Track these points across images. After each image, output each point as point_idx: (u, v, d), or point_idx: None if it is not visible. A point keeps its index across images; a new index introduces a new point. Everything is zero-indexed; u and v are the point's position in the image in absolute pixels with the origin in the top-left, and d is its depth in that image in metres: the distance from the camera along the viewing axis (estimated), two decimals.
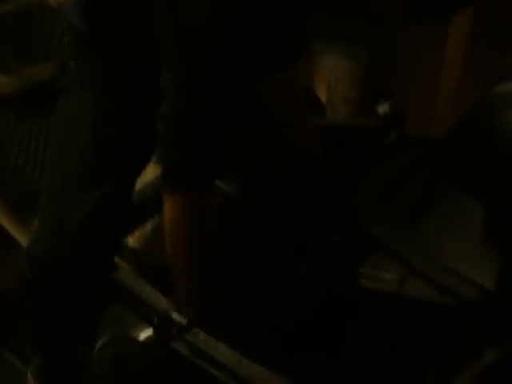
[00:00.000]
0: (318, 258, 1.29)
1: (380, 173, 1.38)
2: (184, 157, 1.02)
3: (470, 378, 1.03)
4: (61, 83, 1.20)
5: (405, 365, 1.12)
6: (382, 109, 1.47)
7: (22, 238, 1.60)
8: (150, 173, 1.34)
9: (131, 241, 1.43)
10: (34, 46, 1.84)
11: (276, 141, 1.37)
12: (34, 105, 1.79)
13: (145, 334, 1.15)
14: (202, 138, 1.01)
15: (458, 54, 1.88)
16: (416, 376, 1.09)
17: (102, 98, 1.13)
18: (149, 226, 1.56)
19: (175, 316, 1.11)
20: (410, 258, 1.23)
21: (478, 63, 1.80)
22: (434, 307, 1.16)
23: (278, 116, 1.31)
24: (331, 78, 1.89)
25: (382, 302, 1.20)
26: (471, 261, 1.18)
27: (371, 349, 1.16)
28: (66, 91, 1.19)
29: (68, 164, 1.17)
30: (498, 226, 1.12)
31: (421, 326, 1.13)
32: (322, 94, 1.87)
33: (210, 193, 1.09)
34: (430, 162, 1.28)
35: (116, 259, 1.26)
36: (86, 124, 1.13)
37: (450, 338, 1.11)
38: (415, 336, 1.13)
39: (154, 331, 1.14)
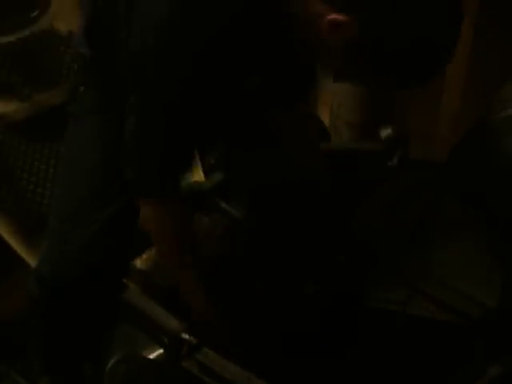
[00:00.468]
0: (324, 278, 1.31)
1: (383, 194, 1.41)
2: (138, 170, 1.09)
3: None
4: (70, 108, 1.24)
5: (409, 382, 1.14)
6: (385, 132, 1.49)
7: (31, 260, 1.63)
8: None
9: (139, 263, 1.46)
10: (45, 73, 1.87)
11: (283, 164, 1.40)
12: (45, 129, 1.82)
13: (155, 353, 1.17)
14: (150, 156, 1.08)
15: (459, 74, 1.90)
16: None
17: (109, 120, 1.17)
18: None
19: (185, 336, 1.13)
20: (413, 277, 1.25)
21: (479, 83, 1.82)
22: (438, 326, 1.18)
23: (287, 139, 1.35)
24: (334, 102, 1.92)
25: (387, 321, 1.22)
26: (474, 278, 1.20)
27: (375, 366, 1.17)
28: (75, 116, 1.23)
29: (77, 185, 1.20)
30: (501, 242, 1.14)
31: (425, 344, 1.15)
32: (325, 118, 1.90)
33: (177, 201, 1.15)
34: (433, 182, 1.31)
35: (125, 281, 1.29)
36: (94, 146, 1.17)
37: (454, 355, 1.13)
38: (419, 353, 1.15)
39: (165, 351, 1.16)
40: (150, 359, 1.17)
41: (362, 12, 0.88)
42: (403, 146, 1.52)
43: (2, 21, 1.79)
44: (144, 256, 1.54)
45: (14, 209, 1.74)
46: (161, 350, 1.17)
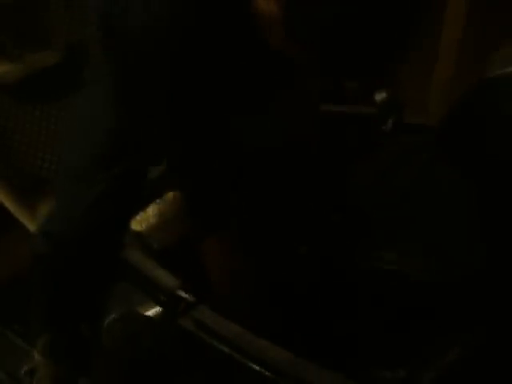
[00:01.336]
0: (317, 239, 1.33)
1: (377, 157, 1.42)
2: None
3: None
4: (85, 74, 1.24)
5: (400, 340, 1.17)
6: (379, 97, 1.50)
7: (26, 221, 1.63)
8: None
9: (133, 224, 1.47)
10: (36, 34, 1.85)
11: (277, 126, 1.40)
12: (37, 91, 1.81)
13: (152, 311, 1.19)
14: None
15: (453, 42, 1.90)
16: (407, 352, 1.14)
17: (124, 87, 1.18)
18: (150, 210, 1.59)
19: (182, 293, 1.15)
20: (404, 238, 1.27)
21: (473, 51, 1.82)
22: (427, 286, 1.21)
23: (281, 106, 1.35)
24: None
25: (379, 280, 1.24)
26: (461, 241, 1.22)
27: (368, 326, 1.20)
28: (89, 81, 1.23)
29: (87, 144, 1.21)
30: (492, 206, 1.16)
31: (415, 304, 1.17)
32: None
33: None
34: (426, 147, 1.32)
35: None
36: (106, 108, 1.17)
37: (441, 315, 1.15)
38: (408, 312, 1.17)
39: (162, 308, 1.18)
40: (146, 316, 1.19)
41: None
42: (397, 111, 1.53)
43: None
44: (138, 218, 1.55)
45: (7, 171, 1.74)
46: (157, 308, 1.19)
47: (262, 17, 0.90)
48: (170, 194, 1.59)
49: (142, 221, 1.57)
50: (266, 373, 1.08)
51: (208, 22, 1.00)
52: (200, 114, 1.11)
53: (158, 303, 1.19)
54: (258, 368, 1.09)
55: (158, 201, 1.60)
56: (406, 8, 0.85)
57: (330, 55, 0.86)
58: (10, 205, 1.64)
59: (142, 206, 1.50)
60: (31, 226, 1.57)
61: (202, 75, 1.06)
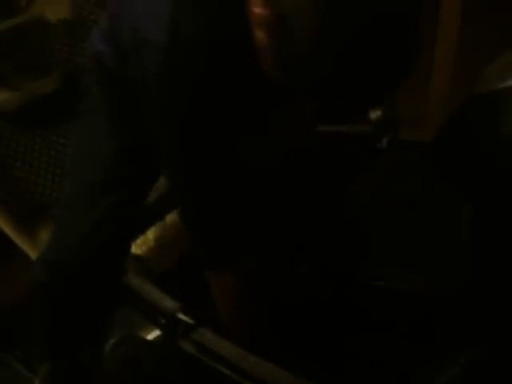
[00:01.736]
0: (316, 258, 1.33)
1: (373, 175, 1.43)
2: (205, 243, 1.06)
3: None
4: (83, 106, 1.26)
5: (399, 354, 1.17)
6: (375, 115, 1.51)
7: (27, 247, 1.64)
8: None
9: (134, 248, 1.47)
10: (36, 61, 1.88)
11: (272, 149, 1.42)
12: (37, 118, 1.83)
13: (153, 334, 1.19)
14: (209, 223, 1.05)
15: (447, 58, 1.91)
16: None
17: (120, 117, 1.20)
18: (150, 233, 1.60)
19: (182, 316, 1.15)
20: (401, 254, 1.28)
21: (468, 67, 1.83)
22: (426, 300, 1.21)
23: (278, 125, 1.36)
24: None
25: (379, 296, 1.24)
26: (459, 256, 1.22)
27: (369, 342, 1.20)
28: (86, 112, 1.25)
29: (85, 173, 1.23)
30: (486, 221, 1.17)
31: (414, 318, 1.18)
32: None
33: (250, 266, 1.10)
34: (422, 164, 1.33)
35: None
36: (104, 137, 1.19)
37: (439, 328, 1.15)
38: (409, 327, 1.17)
39: (162, 331, 1.18)
40: (147, 340, 1.19)
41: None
42: (393, 129, 1.54)
43: None
44: (139, 241, 1.56)
45: (8, 198, 1.76)
46: (158, 331, 1.19)
47: (255, 41, 0.89)
48: (170, 217, 1.60)
49: (142, 244, 1.58)
50: None
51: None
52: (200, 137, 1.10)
53: (158, 326, 1.19)
54: None
55: (157, 224, 1.62)
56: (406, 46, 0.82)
57: (320, 94, 0.85)
58: (10, 231, 1.65)
59: (141, 229, 1.50)
60: (32, 253, 1.58)
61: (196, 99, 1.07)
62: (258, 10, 0.84)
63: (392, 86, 0.84)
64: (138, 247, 1.55)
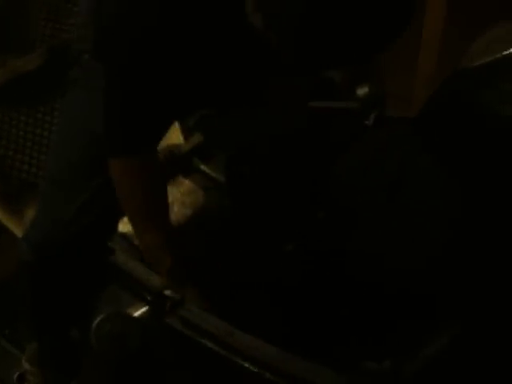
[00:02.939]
0: (303, 235, 1.33)
1: (359, 152, 1.42)
2: (105, 129, 1.11)
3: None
4: (73, 74, 1.24)
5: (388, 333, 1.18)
6: (362, 91, 1.50)
7: (14, 226, 1.63)
8: None
9: (120, 226, 1.47)
10: (18, 38, 1.85)
11: (261, 124, 1.41)
12: (21, 96, 1.81)
13: (139, 311, 1.19)
14: (113, 114, 1.11)
15: (435, 34, 1.91)
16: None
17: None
18: None
19: (168, 293, 1.15)
20: (389, 232, 1.28)
21: (455, 43, 1.83)
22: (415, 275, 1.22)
23: (268, 99, 1.35)
24: None
25: (366, 275, 1.24)
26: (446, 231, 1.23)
27: (356, 320, 1.21)
28: (78, 83, 1.23)
29: (72, 151, 1.22)
30: (472, 195, 1.17)
31: (402, 296, 1.18)
32: None
33: (151, 158, 1.15)
34: (409, 139, 1.33)
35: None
36: (94, 112, 1.17)
37: (428, 304, 1.16)
38: (397, 305, 1.18)
39: (149, 308, 1.19)
40: (134, 317, 1.19)
41: None
42: (380, 105, 1.53)
43: None
44: (125, 219, 1.55)
45: None
46: (144, 308, 1.19)
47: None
48: None
49: (128, 222, 1.58)
50: (255, 369, 1.09)
51: (197, 9, 1.00)
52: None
53: (144, 303, 1.19)
54: (246, 365, 1.09)
55: None
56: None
57: (302, 42, 0.85)
58: None
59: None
60: (18, 232, 1.57)
61: (194, 65, 1.06)
62: None
63: (380, 38, 0.84)
64: (124, 225, 1.54)
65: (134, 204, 1.16)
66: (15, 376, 1.50)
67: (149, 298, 1.18)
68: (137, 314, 1.19)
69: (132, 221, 1.21)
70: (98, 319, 1.18)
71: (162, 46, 1.02)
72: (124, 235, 1.47)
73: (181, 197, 1.50)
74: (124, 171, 1.12)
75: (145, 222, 1.17)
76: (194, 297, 1.17)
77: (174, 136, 1.58)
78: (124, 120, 1.09)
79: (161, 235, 1.16)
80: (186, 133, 1.58)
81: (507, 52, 1.15)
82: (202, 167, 1.54)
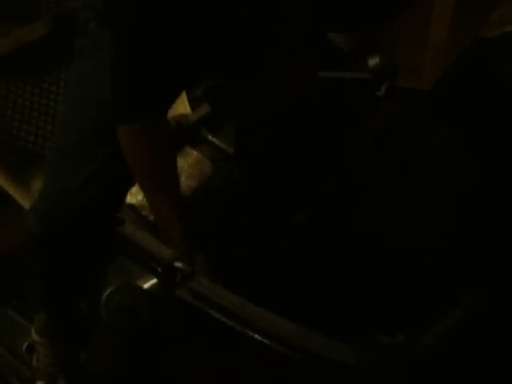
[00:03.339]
0: (314, 207, 1.32)
1: (371, 123, 1.41)
2: (113, 96, 1.10)
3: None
4: (80, 42, 1.22)
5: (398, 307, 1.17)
6: (373, 62, 1.48)
7: (21, 198, 1.62)
8: None
9: (128, 197, 1.46)
10: (22, 7, 1.82)
11: (269, 95, 1.39)
12: (26, 66, 1.79)
13: (149, 282, 1.19)
14: (121, 82, 1.10)
15: (446, 6, 1.88)
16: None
17: None
18: None
19: (178, 264, 1.14)
20: (400, 206, 1.27)
21: (466, 15, 1.80)
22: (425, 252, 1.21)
23: (277, 72, 1.33)
24: None
25: (376, 247, 1.24)
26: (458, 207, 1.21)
27: (366, 292, 1.20)
28: (83, 51, 1.21)
29: (79, 121, 1.20)
30: (484, 169, 1.16)
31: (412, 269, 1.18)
32: None
33: (160, 127, 1.14)
34: (421, 111, 1.31)
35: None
36: (100, 84, 1.15)
37: (440, 278, 1.15)
38: (407, 278, 1.17)
39: (158, 280, 1.18)
40: (144, 289, 1.18)
41: None
42: (391, 76, 1.51)
43: None
44: (133, 190, 1.54)
45: (0, 147, 1.73)
46: (154, 280, 1.19)
47: None
48: None
49: (137, 193, 1.57)
50: (266, 342, 1.08)
51: None
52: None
53: (154, 275, 1.19)
54: (257, 337, 1.09)
55: None
56: None
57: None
58: (3, 181, 1.63)
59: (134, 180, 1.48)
60: (25, 203, 1.56)
61: (202, 34, 1.05)
62: None
63: None
64: (133, 196, 1.53)
65: (143, 171, 1.16)
66: (24, 346, 1.50)
67: (159, 269, 1.17)
68: (147, 285, 1.18)
69: (142, 188, 1.20)
70: (108, 291, 1.17)
71: (169, 9, 1.00)
72: (132, 206, 1.46)
73: (188, 168, 1.49)
74: (132, 138, 1.12)
75: (154, 190, 1.16)
76: (203, 267, 1.16)
77: (182, 106, 1.56)
78: (132, 86, 1.09)
79: (171, 203, 1.15)
80: (194, 103, 1.56)
81: None
82: (210, 138, 1.52)
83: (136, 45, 1.05)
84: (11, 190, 1.64)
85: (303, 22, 0.95)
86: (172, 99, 1.18)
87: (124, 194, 1.33)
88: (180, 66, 1.09)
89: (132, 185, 1.48)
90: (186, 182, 1.45)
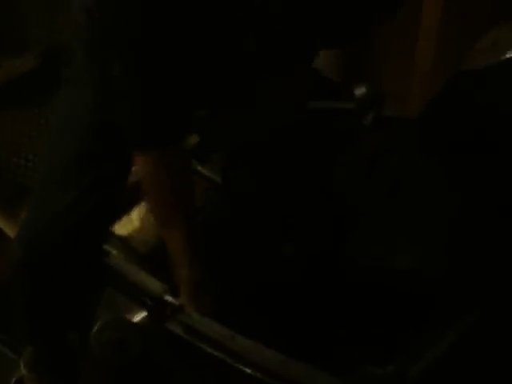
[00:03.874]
0: (302, 237, 1.33)
1: (358, 152, 1.42)
2: (135, 122, 1.11)
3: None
4: (66, 72, 1.22)
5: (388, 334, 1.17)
6: (359, 91, 1.50)
7: (11, 231, 1.62)
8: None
9: (117, 228, 1.46)
10: (13, 39, 1.84)
11: (258, 125, 1.40)
12: (16, 98, 1.80)
13: (139, 316, 1.18)
14: (146, 108, 1.10)
15: (431, 33, 1.90)
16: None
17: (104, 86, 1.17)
18: (134, 213, 1.58)
19: (168, 298, 1.14)
20: (390, 233, 1.27)
21: (452, 43, 1.82)
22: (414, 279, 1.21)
23: (265, 100, 1.34)
24: None
25: (366, 276, 1.24)
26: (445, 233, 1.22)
27: (356, 321, 1.20)
28: (69, 81, 1.22)
29: (62, 150, 1.20)
30: (472, 197, 1.17)
31: (403, 297, 1.18)
32: None
33: (177, 153, 1.15)
34: (407, 140, 1.32)
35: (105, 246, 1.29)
36: (85, 110, 1.16)
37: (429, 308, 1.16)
38: (398, 306, 1.18)
39: (148, 313, 1.18)
40: (133, 322, 1.18)
41: None
42: (377, 105, 1.52)
43: None
44: (122, 221, 1.54)
45: None
46: (144, 313, 1.18)
47: None
48: None
49: (126, 224, 1.57)
50: (257, 374, 1.08)
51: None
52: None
53: (144, 308, 1.18)
54: (248, 370, 1.09)
55: (141, 203, 1.60)
56: None
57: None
58: None
59: (124, 209, 1.48)
60: (14, 235, 1.56)
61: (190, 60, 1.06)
62: None
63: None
64: (122, 227, 1.53)
65: (165, 198, 1.16)
66: (13, 381, 1.49)
67: (148, 303, 1.17)
68: (136, 319, 1.18)
69: (159, 215, 1.20)
70: (98, 325, 1.17)
71: (166, 41, 1.02)
72: (121, 237, 1.46)
73: None
74: (152, 165, 1.12)
75: (172, 215, 1.16)
76: (208, 308, 1.16)
77: None
78: (154, 112, 1.09)
79: (187, 229, 1.16)
80: None
81: None
82: (199, 168, 1.53)
83: (146, 70, 1.05)
84: (1, 223, 1.63)
85: (291, 40, 0.97)
86: (190, 121, 1.20)
87: (109, 224, 1.33)
88: (190, 88, 1.10)
89: (119, 216, 1.48)
90: None
